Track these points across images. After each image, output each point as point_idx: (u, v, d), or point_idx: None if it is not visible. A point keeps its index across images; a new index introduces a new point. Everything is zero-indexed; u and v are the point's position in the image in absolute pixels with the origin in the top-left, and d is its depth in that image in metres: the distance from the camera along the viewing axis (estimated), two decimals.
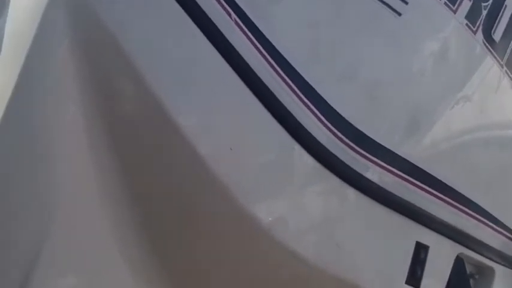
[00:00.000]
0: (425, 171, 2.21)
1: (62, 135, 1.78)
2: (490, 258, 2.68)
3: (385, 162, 2.08)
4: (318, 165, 1.95)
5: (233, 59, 1.84)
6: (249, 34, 1.86)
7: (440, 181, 2.28)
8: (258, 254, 1.93)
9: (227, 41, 1.83)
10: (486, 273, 2.72)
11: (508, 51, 2.64)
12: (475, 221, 2.49)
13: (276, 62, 1.89)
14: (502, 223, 2.68)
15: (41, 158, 1.77)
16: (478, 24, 2.41)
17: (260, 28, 1.87)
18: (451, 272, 2.42)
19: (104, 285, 1.89)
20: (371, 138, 2.05)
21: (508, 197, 2.74)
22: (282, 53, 1.90)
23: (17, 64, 1.75)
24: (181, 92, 1.79)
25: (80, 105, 1.78)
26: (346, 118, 2.00)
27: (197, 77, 1.82)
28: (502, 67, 2.62)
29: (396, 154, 2.12)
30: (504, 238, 2.74)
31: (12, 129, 1.75)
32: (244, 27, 1.85)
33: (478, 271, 2.67)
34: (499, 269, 2.76)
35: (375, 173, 2.06)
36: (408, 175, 2.15)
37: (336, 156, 1.98)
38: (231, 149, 1.83)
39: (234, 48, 1.84)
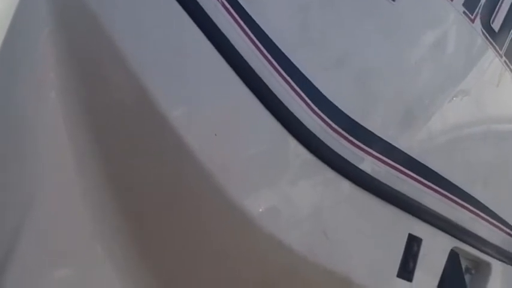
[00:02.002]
0: (420, 163, 2.16)
1: (41, 124, 1.73)
2: (487, 253, 2.62)
3: (379, 153, 2.03)
4: (309, 155, 1.90)
5: (219, 43, 1.79)
6: (237, 17, 1.81)
7: (436, 173, 2.22)
8: (246, 246, 1.88)
9: (213, 23, 1.78)
10: (482, 269, 2.66)
11: (507, 41, 2.58)
12: (472, 215, 2.44)
13: (264, 47, 1.84)
14: (500, 217, 2.63)
15: (19, 148, 1.72)
16: (476, 12, 2.35)
17: (248, 11, 1.82)
18: (445, 266, 2.36)
19: (83, 281, 1.84)
20: (365, 128, 2.00)
21: (506, 191, 2.69)
22: (272, 38, 1.85)
23: None
24: (164, 75, 1.75)
25: (60, 92, 1.73)
26: (339, 107, 1.94)
27: (181, 60, 1.78)
28: (501, 57, 2.56)
29: (391, 144, 2.06)
30: (501, 233, 2.69)
31: None
32: (231, 9, 1.80)
33: (474, 266, 2.62)
34: (496, 264, 2.70)
35: (368, 163, 2.01)
36: (403, 166, 2.10)
37: (328, 146, 1.92)
38: (215, 134, 1.77)
39: (221, 31, 1.79)
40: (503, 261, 2.76)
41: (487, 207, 2.51)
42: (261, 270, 1.92)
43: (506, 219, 2.68)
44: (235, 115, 1.81)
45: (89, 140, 1.76)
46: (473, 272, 2.61)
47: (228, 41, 1.79)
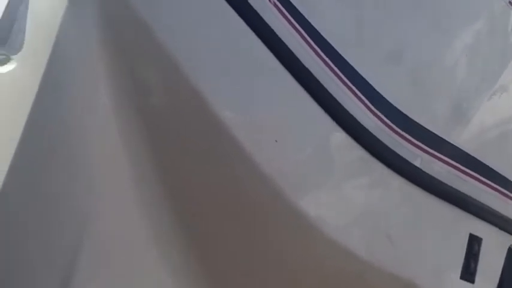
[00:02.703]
0: (476, 159, 2.09)
1: (95, 130, 1.66)
2: None
3: (435, 150, 1.96)
4: (366, 154, 1.82)
5: (274, 45, 1.71)
6: (290, 18, 1.73)
7: (491, 169, 2.16)
8: (306, 251, 1.81)
9: (266, 24, 1.70)
10: None
11: None
12: None
13: (318, 46, 1.76)
14: None
15: (75, 155, 1.65)
16: None
17: (301, 11, 1.74)
18: (504, 265, 2.29)
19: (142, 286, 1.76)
20: (419, 125, 1.93)
21: None
22: (325, 37, 1.77)
23: (42, 58, 1.62)
24: (220, 81, 1.67)
25: (113, 100, 1.66)
26: (393, 103, 1.87)
27: (236, 65, 1.70)
28: None
29: (447, 141, 2.00)
30: None
31: (41, 127, 1.62)
32: (284, 10, 1.72)
33: None
34: None
35: (425, 161, 1.94)
36: (459, 163, 2.03)
37: (384, 144, 1.85)
38: (276, 141, 1.70)
39: (274, 33, 1.71)
40: None
41: None
42: (321, 276, 1.85)
43: None
44: (291, 117, 1.74)
45: (144, 148, 1.68)
46: None
47: (282, 42, 1.71)
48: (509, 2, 2.25)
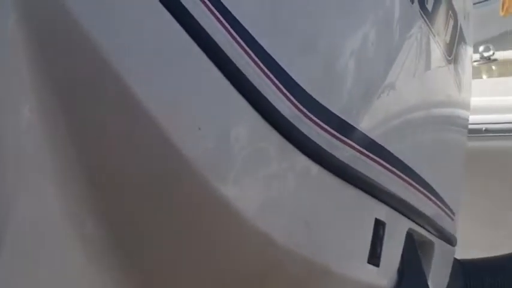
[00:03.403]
0: (381, 146, 2.14)
1: (10, 118, 1.58)
2: (432, 233, 2.66)
3: (345, 137, 1.99)
4: (283, 140, 1.83)
5: (194, 31, 1.69)
6: (209, 4, 1.71)
7: (394, 155, 2.22)
8: (226, 234, 1.80)
9: (186, 10, 1.68)
10: (427, 248, 2.70)
11: (438, 20, 2.62)
12: (421, 195, 2.46)
13: (237, 33, 1.75)
14: (442, 198, 2.67)
15: None
16: None
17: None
18: (403, 249, 2.36)
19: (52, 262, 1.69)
20: (331, 112, 1.95)
21: (447, 173, 2.75)
22: (243, 24, 1.77)
23: None
24: (144, 69, 1.63)
25: (31, 86, 1.59)
26: (306, 90, 1.89)
27: (158, 51, 1.67)
28: (434, 36, 2.59)
29: (355, 128, 2.03)
30: (443, 213, 2.73)
31: None
32: None
33: (419, 245, 2.63)
34: (437, 243, 2.74)
35: (336, 147, 1.96)
36: (367, 150, 2.07)
37: (300, 130, 1.86)
38: (199, 128, 1.68)
39: (196, 20, 1.68)
40: (444, 241, 2.80)
41: (433, 188, 2.54)
42: (239, 261, 1.84)
43: (446, 200, 2.73)
44: (217, 107, 1.72)
45: (65, 134, 1.62)
46: (419, 252, 2.63)
47: (203, 29, 1.69)
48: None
